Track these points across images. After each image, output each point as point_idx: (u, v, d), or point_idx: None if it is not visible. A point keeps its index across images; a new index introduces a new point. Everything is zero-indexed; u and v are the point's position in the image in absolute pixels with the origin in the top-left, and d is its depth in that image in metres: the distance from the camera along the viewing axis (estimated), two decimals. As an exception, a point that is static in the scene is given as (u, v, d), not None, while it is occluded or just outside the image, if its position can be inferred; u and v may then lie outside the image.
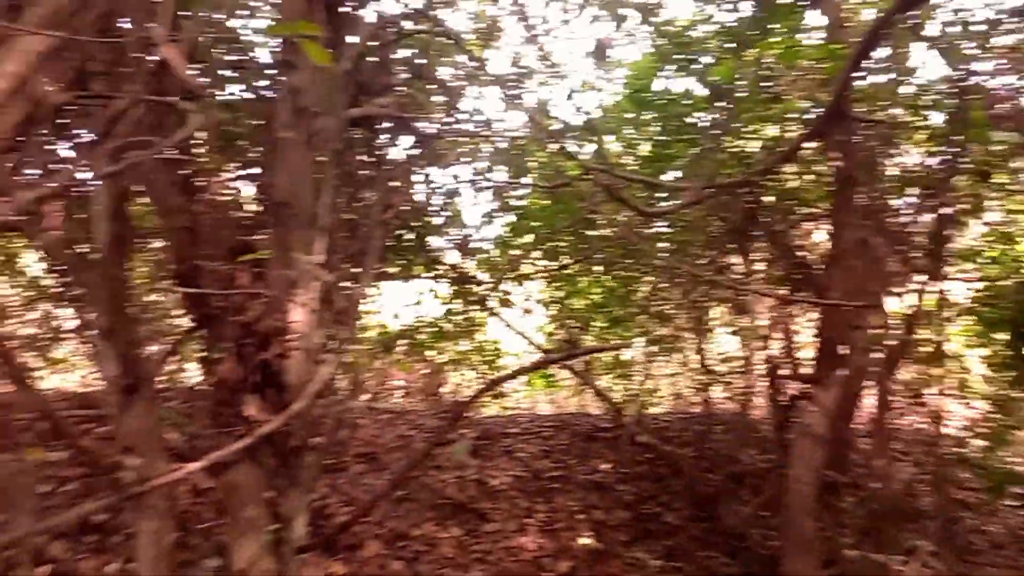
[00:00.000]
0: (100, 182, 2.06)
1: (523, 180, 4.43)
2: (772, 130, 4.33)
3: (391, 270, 4.32)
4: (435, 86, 3.67)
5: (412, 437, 4.22)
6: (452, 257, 4.65)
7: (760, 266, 4.31)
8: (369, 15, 3.24)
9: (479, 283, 4.72)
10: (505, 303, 4.66)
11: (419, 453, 3.27)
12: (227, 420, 2.50)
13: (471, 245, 4.70)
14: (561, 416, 5.03)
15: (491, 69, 3.90)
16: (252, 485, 2.47)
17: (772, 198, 4.18)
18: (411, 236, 4.34)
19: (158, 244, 2.79)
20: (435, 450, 3.50)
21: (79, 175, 1.49)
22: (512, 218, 4.72)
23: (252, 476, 2.46)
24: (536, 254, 4.81)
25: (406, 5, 3.39)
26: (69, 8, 1.71)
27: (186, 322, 2.72)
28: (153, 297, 3.15)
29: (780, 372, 3.95)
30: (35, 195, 1.33)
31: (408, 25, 3.40)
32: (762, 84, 3.85)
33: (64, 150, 2.04)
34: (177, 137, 1.67)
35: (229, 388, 2.50)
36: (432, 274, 4.64)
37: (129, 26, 1.85)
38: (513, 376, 3.65)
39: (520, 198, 4.70)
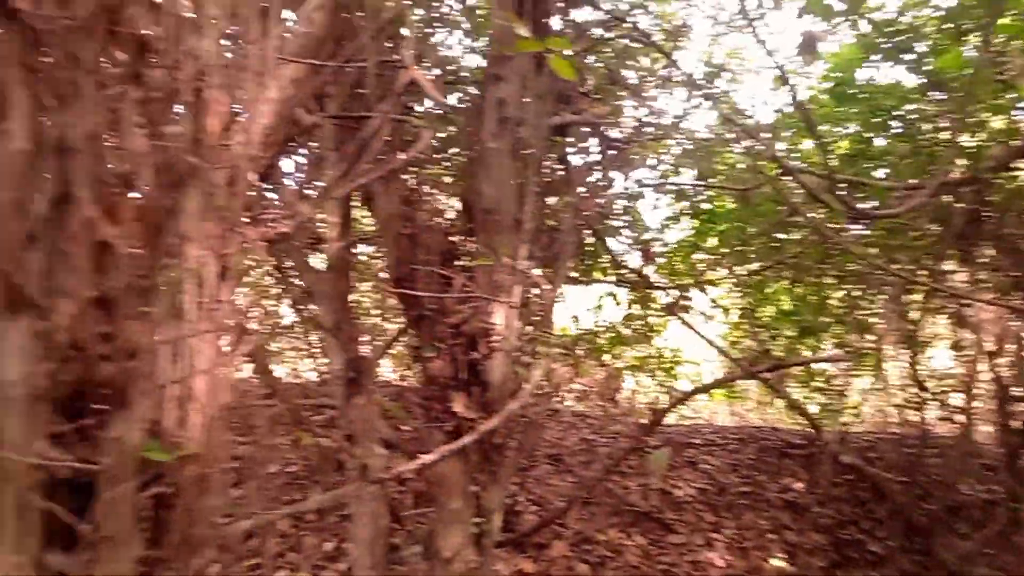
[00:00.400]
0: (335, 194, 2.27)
1: (711, 182, 4.30)
2: (997, 121, 3.87)
3: (573, 274, 4.36)
4: (625, 91, 3.66)
5: (595, 441, 4.24)
6: (633, 261, 4.60)
7: (985, 273, 3.85)
8: (563, 23, 3.31)
9: (660, 288, 4.63)
10: (687, 309, 4.54)
11: (614, 458, 3.27)
12: (436, 415, 2.66)
13: (653, 249, 4.63)
14: (746, 428, 4.81)
15: (681, 70, 3.82)
16: (458, 478, 2.60)
17: (1001, 197, 3.73)
18: (592, 240, 4.36)
19: (376, 249, 3.02)
20: (628, 457, 3.48)
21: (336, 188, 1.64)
22: (697, 221, 4.60)
23: (458, 470, 2.60)
24: (722, 258, 4.64)
25: (595, 7, 3.41)
26: (318, 38, 1.89)
27: (396, 322, 2.91)
28: (370, 298, 3.43)
29: (1011, 393, 3.50)
30: (314, 209, 1.48)
31: (601, 31, 3.42)
32: (991, 71, 3.45)
33: (306, 167, 2.26)
34: (414, 151, 1.78)
35: (439, 385, 2.66)
36: (612, 278, 4.62)
37: (367, 50, 2.00)
38: (714, 387, 3.55)
39: (706, 200, 4.56)
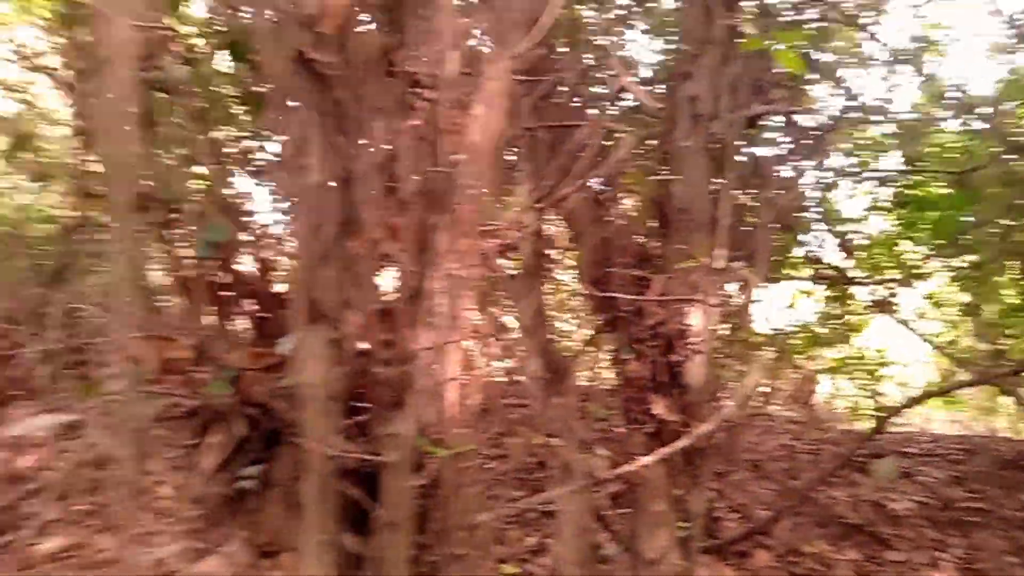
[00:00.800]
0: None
1: (919, 166, 3.92)
2: None
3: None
4: (821, 75, 3.45)
5: (795, 447, 4.02)
6: (830, 255, 4.31)
7: None
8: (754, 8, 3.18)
9: (861, 283, 4.30)
10: (893, 306, 4.17)
11: (829, 467, 3.09)
12: (635, 417, 2.67)
13: (851, 241, 4.31)
14: (972, 438, 4.32)
15: (881, 47, 3.53)
16: (661, 481, 2.59)
17: None
18: (783, 234, 4.14)
19: (567, 252, 3.09)
20: (845, 465, 3.27)
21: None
22: (903, 210, 4.22)
23: (661, 472, 2.58)
24: (933, 250, 4.22)
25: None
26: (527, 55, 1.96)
27: (589, 325, 2.96)
28: (562, 301, 3.52)
29: None
30: (539, 218, 1.55)
31: (792, 14, 3.25)
32: None
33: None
34: (617, 157, 1.81)
35: (636, 387, 2.67)
36: (806, 274, 4.36)
37: (569, 61, 2.06)
38: (947, 391, 3.24)
39: (913, 187, 4.17)
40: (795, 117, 3.40)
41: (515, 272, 2.86)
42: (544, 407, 2.80)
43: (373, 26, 0.99)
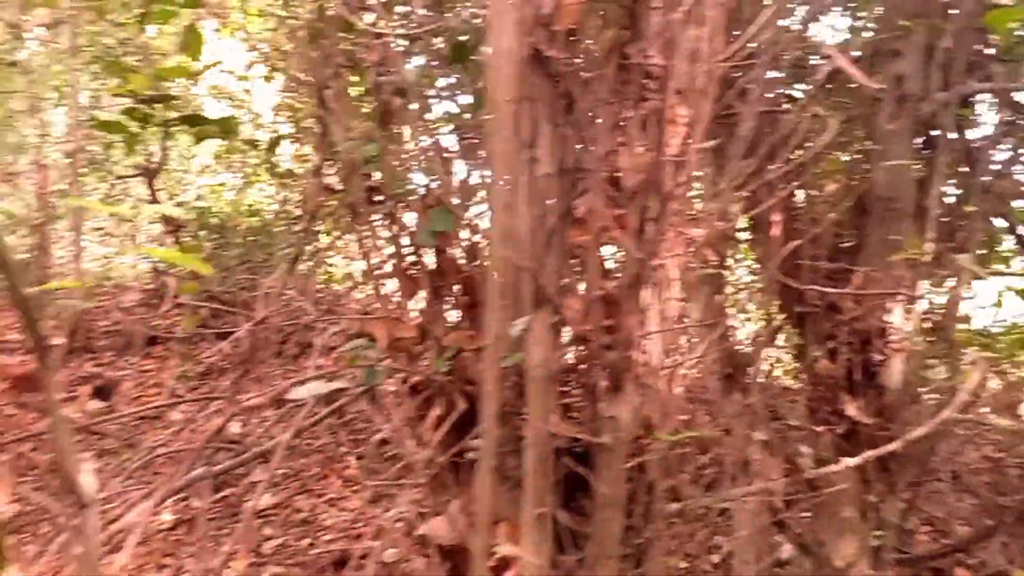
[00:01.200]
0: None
1: None
2: None
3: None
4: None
5: (1000, 460, 3.62)
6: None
7: None
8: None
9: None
10: None
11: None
12: (824, 417, 2.53)
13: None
14: None
15: None
16: (853, 486, 2.44)
17: None
18: (995, 224, 3.72)
19: (751, 243, 2.98)
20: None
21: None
22: None
23: (854, 477, 2.44)
24: None
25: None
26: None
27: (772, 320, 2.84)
28: (746, 294, 3.42)
29: None
30: (743, 209, 1.52)
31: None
32: None
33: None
34: (821, 143, 1.72)
35: (826, 386, 2.53)
36: (1019, 269, 3.91)
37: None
38: None
39: None
40: (1014, 95, 3.05)
41: (700, 263, 2.80)
42: (724, 403, 2.74)
43: (607, 20, 1.03)
